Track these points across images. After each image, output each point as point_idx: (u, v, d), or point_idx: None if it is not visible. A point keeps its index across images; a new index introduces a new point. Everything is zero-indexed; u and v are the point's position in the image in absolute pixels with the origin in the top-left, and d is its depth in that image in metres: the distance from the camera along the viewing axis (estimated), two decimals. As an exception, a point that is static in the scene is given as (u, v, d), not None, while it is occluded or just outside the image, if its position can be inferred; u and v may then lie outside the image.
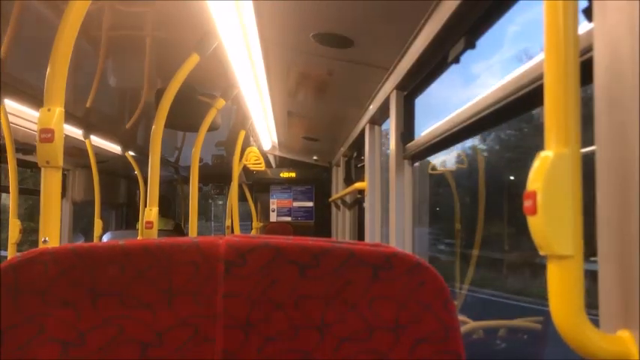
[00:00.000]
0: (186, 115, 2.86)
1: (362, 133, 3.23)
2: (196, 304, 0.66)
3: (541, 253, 0.65)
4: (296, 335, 0.66)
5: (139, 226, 4.73)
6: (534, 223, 0.64)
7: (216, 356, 0.65)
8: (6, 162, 2.66)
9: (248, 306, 0.65)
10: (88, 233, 5.61)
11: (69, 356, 0.64)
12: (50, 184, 1.37)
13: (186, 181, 6.81)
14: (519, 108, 1.14)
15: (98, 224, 4.13)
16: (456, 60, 1.55)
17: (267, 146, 5.23)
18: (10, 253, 2.59)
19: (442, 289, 0.68)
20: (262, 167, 4.87)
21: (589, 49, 0.78)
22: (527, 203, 0.65)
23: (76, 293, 0.65)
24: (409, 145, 2.06)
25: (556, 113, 0.66)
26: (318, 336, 0.66)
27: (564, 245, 0.63)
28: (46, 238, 1.36)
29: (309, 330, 0.66)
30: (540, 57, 0.93)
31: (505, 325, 2.16)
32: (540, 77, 0.91)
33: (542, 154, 0.65)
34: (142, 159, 4.69)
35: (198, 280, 0.66)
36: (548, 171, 0.64)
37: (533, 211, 0.64)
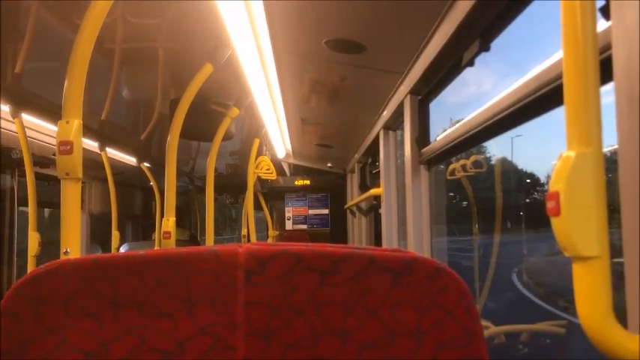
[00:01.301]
0: (201, 124, 2.88)
1: (376, 139, 3.22)
2: (217, 313, 0.65)
3: (566, 254, 0.64)
4: (317, 342, 0.65)
5: (156, 236, 4.76)
6: (558, 225, 0.63)
7: None
8: (24, 175, 2.69)
9: (268, 314, 0.65)
10: (104, 245, 5.65)
11: None
12: (70, 195, 1.38)
13: (200, 191, 6.84)
14: (538, 109, 1.13)
15: (115, 236, 4.16)
16: (471, 63, 1.54)
17: (281, 154, 5.24)
18: (30, 265, 2.62)
19: (464, 293, 0.66)
20: (274, 176, 4.88)
21: (607, 47, 0.77)
22: (550, 204, 0.64)
23: (97, 304, 0.65)
24: (425, 149, 2.05)
25: (576, 113, 0.65)
26: (340, 343, 0.65)
27: (589, 246, 0.62)
28: (67, 250, 1.37)
29: (330, 337, 0.65)
30: (558, 56, 0.92)
31: (528, 329, 2.13)
32: (559, 77, 0.90)
33: (564, 154, 0.64)
34: (157, 170, 4.73)
35: (218, 288, 0.65)
36: (570, 171, 0.63)
37: (557, 212, 0.63)
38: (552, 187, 0.64)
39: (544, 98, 1.03)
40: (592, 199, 0.63)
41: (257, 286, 0.65)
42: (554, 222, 0.64)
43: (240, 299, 0.65)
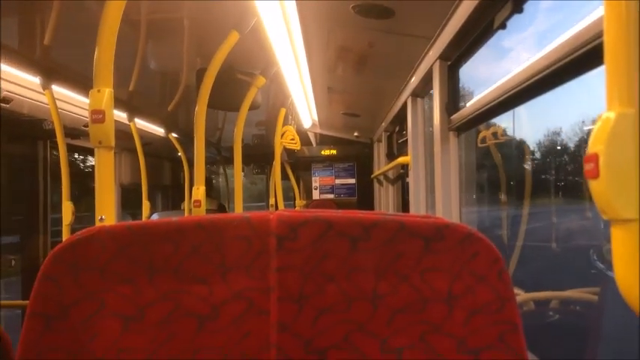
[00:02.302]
0: (227, 94, 2.88)
1: (404, 107, 3.18)
2: (250, 278, 0.66)
3: (604, 217, 0.62)
4: (349, 307, 0.66)
5: (185, 205, 4.83)
6: (596, 187, 0.62)
7: (271, 328, 0.65)
8: (56, 146, 2.75)
9: (301, 279, 0.65)
10: (135, 216, 5.77)
11: (130, 330, 0.66)
12: (104, 164, 1.41)
13: (228, 161, 6.89)
14: (575, 70, 1.09)
15: (146, 205, 4.23)
16: (502, 26, 1.49)
17: (307, 124, 5.23)
18: (65, 234, 2.69)
19: (496, 259, 0.66)
20: (298, 146, 4.88)
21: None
22: (588, 167, 0.63)
23: (133, 269, 0.66)
24: (454, 116, 2.01)
25: (617, 72, 0.62)
26: (371, 308, 0.66)
27: (629, 209, 0.60)
28: (103, 217, 1.41)
29: (362, 302, 0.66)
30: (597, 14, 0.88)
31: (559, 296, 2.11)
32: (598, 36, 0.87)
33: (604, 115, 0.62)
34: (185, 140, 4.77)
35: (250, 254, 0.66)
36: (610, 132, 0.61)
37: (595, 175, 0.61)
38: (591, 149, 0.62)
39: (582, 58, 0.99)
40: (632, 160, 0.61)
41: (289, 252, 0.65)
42: (593, 184, 0.62)
43: (272, 265, 0.65)
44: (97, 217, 1.40)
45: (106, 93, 1.38)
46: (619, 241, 0.62)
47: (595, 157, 0.62)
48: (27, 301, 0.66)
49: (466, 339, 0.65)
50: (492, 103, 1.57)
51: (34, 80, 2.63)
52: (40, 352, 0.65)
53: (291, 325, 0.65)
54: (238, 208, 2.89)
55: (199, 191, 2.28)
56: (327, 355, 0.65)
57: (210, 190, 5.27)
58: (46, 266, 0.66)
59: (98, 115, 1.38)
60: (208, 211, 4.56)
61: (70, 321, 0.65)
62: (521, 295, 2.11)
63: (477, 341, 0.65)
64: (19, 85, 2.64)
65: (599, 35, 0.64)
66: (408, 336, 0.65)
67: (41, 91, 2.65)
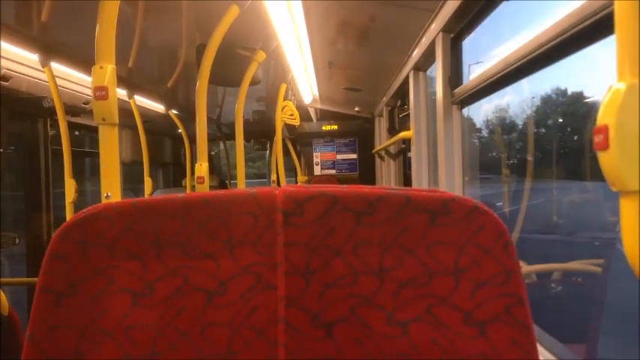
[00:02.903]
0: (228, 69, 2.85)
1: (405, 81, 3.16)
2: (257, 253, 0.66)
3: (613, 189, 0.62)
4: (355, 281, 0.66)
5: (187, 182, 4.83)
6: (606, 159, 0.61)
7: (278, 303, 0.66)
8: (56, 124, 2.73)
9: (307, 254, 0.65)
10: (137, 194, 5.78)
11: (138, 305, 0.66)
12: (108, 141, 1.40)
13: (228, 137, 6.87)
14: (584, 41, 1.07)
15: (148, 182, 4.23)
16: None
17: (307, 99, 5.20)
18: (68, 212, 2.69)
19: (502, 232, 0.66)
20: (297, 122, 4.85)
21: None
22: (597, 138, 0.62)
23: (141, 246, 0.66)
24: (457, 89, 1.99)
25: (628, 41, 0.61)
26: (377, 281, 0.66)
27: (638, 180, 0.60)
28: (109, 194, 1.41)
29: (368, 276, 0.66)
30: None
31: (562, 268, 2.13)
32: (608, 4, 0.85)
33: (614, 86, 0.61)
34: (186, 117, 4.75)
35: (257, 230, 0.66)
36: (621, 103, 0.60)
37: (605, 146, 0.61)
38: (601, 121, 0.62)
39: (592, 28, 0.97)
40: None
41: (295, 227, 0.65)
42: (602, 156, 0.62)
43: (279, 240, 0.66)
44: (103, 194, 1.40)
45: (108, 69, 1.37)
46: (628, 213, 0.62)
47: (605, 129, 0.61)
48: (32, 279, 0.67)
49: (472, 311, 0.65)
50: (497, 76, 1.55)
51: (33, 58, 2.61)
52: (51, 327, 0.65)
53: (298, 300, 0.66)
54: (241, 184, 2.90)
55: (202, 168, 2.28)
56: (334, 329, 0.66)
57: (211, 166, 5.27)
58: (54, 243, 0.66)
59: (101, 92, 1.37)
60: (210, 187, 4.56)
61: (80, 297, 0.66)
62: (523, 267, 2.12)
63: (483, 313, 0.65)
64: (17, 62, 2.62)
65: (609, 4, 0.63)
66: (414, 309, 0.66)
67: (40, 68, 2.63)
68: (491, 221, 0.66)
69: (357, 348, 0.66)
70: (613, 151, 0.60)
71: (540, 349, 1.37)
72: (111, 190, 1.40)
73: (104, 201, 1.36)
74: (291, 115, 4.75)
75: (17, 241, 2.91)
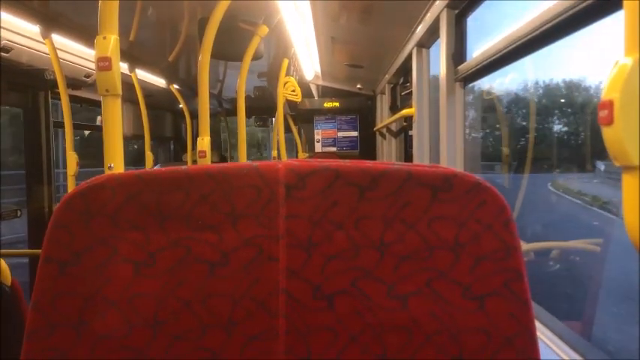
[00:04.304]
0: (230, 44, 2.83)
1: (408, 58, 3.13)
2: (260, 226, 0.66)
3: (616, 164, 0.62)
4: (357, 254, 0.66)
5: (188, 157, 4.84)
6: (610, 134, 0.61)
7: (280, 274, 0.66)
8: (58, 97, 2.72)
9: (310, 227, 0.66)
10: (137, 168, 5.77)
11: (141, 275, 0.67)
12: (111, 112, 1.40)
13: (229, 113, 6.84)
14: (591, 16, 1.06)
15: (149, 157, 4.23)
16: None
17: (309, 75, 5.16)
18: (70, 184, 2.70)
19: (503, 208, 0.66)
20: (299, 98, 4.82)
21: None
22: (602, 113, 0.62)
23: (143, 216, 0.67)
24: (461, 67, 1.98)
25: (635, 16, 0.61)
26: (378, 255, 0.66)
27: None
28: (111, 165, 1.41)
29: (370, 249, 0.66)
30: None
31: (561, 246, 2.14)
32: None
33: (620, 61, 0.61)
34: (187, 92, 4.73)
35: (260, 203, 0.66)
36: (627, 79, 0.60)
37: (610, 121, 0.61)
38: (606, 96, 0.61)
39: (599, 3, 0.96)
40: None
41: (298, 201, 0.66)
42: (606, 131, 0.62)
43: (281, 213, 0.66)
44: (106, 165, 1.41)
45: (111, 40, 1.36)
46: (630, 188, 0.62)
47: (610, 104, 0.61)
48: (35, 250, 0.68)
49: (471, 285, 0.66)
50: (501, 53, 1.54)
51: (34, 29, 2.59)
52: (55, 296, 0.66)
53: (300, 272, 0.66)
54: (242, 158, 2.90)
55: (204, 142, 2.28)
56: (335, 300, 0.67)
57: (212, 141, 5.25)
58: (57, 213, 0.66)
59: (105, 63, 1.36)
60: (211, 162, 4.56)
61: (83, 266, 0.66)
62: (522, 245, 2.13)
63: (482, 288, 0.66)
64: (18, 34, 2.60)
65: (617, -21, 0.62)
66: (414, 282, 0.66)
67: (41, 40, 2.61)
68: (493, 197, 0.66)
69: (357, 320, 0.67)
70: (617, 126, 0.60)
71: (537, 325, 1.38)
72: (114, 161, 1.40)
73: (107, 172, 1.37)
74: (293, 91, 4.72)
75: (19, 213, 2.93)
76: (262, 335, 0.67)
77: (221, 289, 0.67)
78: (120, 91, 1.40)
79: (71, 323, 0.66)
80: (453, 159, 2.08)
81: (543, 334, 1.37)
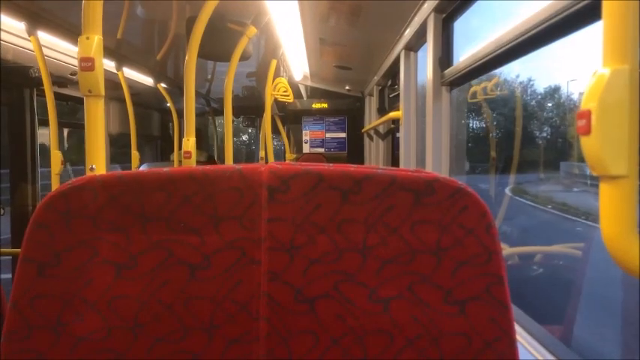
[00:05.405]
0: (218, 44, 2.82)
1: (396, 61, 3.14)
2: (242, 229, 0.66)
3: (594, 173, 0.63)
4: (339, 258, 0.67)
5: (175, 157, 4.81)
6: (588, 143, 0.62)
7: (262, 277, 0.66)
8: (44, 95, 2.70)
9: (292, 230, 0.66)
10: (123, 167, 5.74)
11: (122, 277, 0.67)
12: (93, 112, 1.39)
13: (217, 113, 6.81)
14: (572, 24, 1.08)
15: (135, 156, 4.20)
16: None
17: (298, 76, 5.16)
18: (54, 183, 2.68)
19: (484, 213, 0.67)
20: (291, 99, 4.81)
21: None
22: (580, 123, 0.63)
23: (125, 218, 0.67)
24: (447, 71, 1.99)
25: (614, 27, 0.62)
26: (361, 258, 0.67)
27: (618, 165, 0.61)
28: (93, 166, 1.40)
29: (352, 252, 0.67)
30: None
31: (543, 250, 2.16)
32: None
33: (598, 71, 0.62)
34: (174, 91, 4.71)
35: (242, 205, 0.66)
36: (604, 89, 0.61)
37: (587, 131, 0.62)
38: (584, 105, 0.62)
39: (580, 12, 0.98)
40: (625, 117, 0.61)
41: (280, 204, 0.66)
42: (584, 141, 0.63)
43: (264, 216, 0.66)
44: (88, 166, 1.40)
45: (95, 40, 1.35)
46: (607, 198, 0.63)
47: (587, 114, 0.62)
48: (17, 249, 0.67)
49: (453, 290, 0.66)
50: (487, 58, 1.55)
51: (19, 26, 2.56)
52: (34, 297, 0.66)
53: (282, 275, 0.66)
54: (229, 160, 2.89)
55: (190, 142, 2.27)
56: (317, 304, 0.67)
57: (200, 141, 5.24)
58: (37, 213, 0.66)
59: (87, 63, 1.35)
60: (198, 162, 4.55)
61: (63, 267, 0.66)
62: (506, 249, 2.15)
63: (464, 292, 0.66)
64: (4, 30, 2.57)
65: (598, -11, 0.63)
66: (396, 286, 0.67)
67: (27, 37, 2.58)
68: (475, 202, 0.66)
69: (339, 323, 0.67)
70: (595, 136, 0.61)
71: (517, 329, 1.40)
72: (96, 162, 1.40)
73: (89, 173, 1.36)
74: (285, 91, 4.71)
75: (2, 212, 2.89)
76: (243, 338, 0.67)
77: (202, 291, 0.67)
78: (102, 92, 1.39)
79: (50, 325, 0.66)
80: (438, 163, 2.09)
81: (523, 338, 1.39)
